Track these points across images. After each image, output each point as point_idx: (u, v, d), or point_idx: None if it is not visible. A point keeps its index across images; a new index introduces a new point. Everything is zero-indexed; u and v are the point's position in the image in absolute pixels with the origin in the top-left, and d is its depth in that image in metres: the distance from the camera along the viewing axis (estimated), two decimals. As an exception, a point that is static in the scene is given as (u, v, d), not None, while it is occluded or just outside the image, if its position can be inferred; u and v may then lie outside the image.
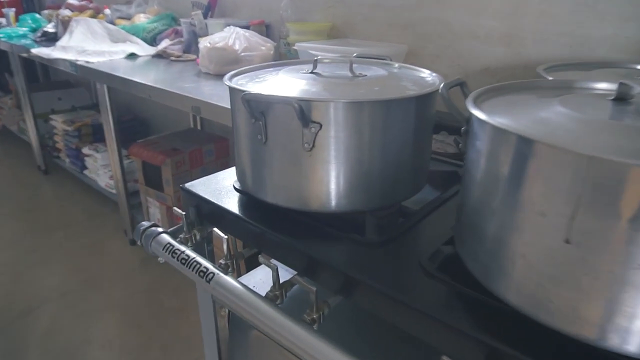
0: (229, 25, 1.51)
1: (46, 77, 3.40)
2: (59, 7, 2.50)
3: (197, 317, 1.65)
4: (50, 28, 2.26)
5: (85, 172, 2.37)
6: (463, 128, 0.48)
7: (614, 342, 0.36)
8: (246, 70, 0.69)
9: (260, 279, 0.74)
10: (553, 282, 0.37)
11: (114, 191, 2.10)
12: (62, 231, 2.16)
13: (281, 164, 0.57)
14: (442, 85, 0.49)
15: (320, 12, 1.51)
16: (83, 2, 2.37)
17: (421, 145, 0.60)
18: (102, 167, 2.21)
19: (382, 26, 1.36)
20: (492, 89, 0.51)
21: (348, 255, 0.53)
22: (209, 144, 1.75)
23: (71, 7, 2.35)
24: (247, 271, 0.80)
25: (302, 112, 0.51)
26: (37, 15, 2.48)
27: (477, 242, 0.45)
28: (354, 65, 0.63)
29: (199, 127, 2.13)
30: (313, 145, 0.54)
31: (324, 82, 0.60)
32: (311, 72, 0.64)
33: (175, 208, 0.67)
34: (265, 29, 1.68)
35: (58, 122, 2.46)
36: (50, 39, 2.15)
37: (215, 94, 1.20)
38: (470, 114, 0.44)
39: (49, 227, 2.20)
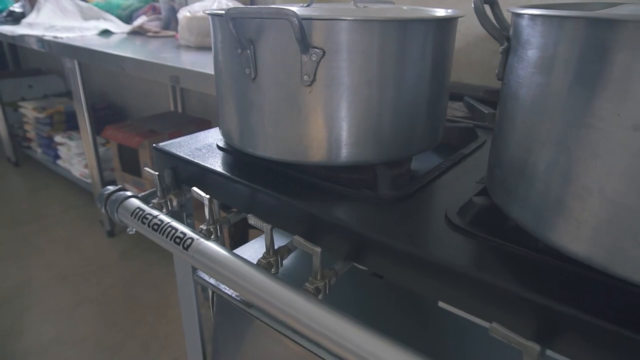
0: (210, -4, 1.39)
1: (16, 65, 3.21)
2: (27, -12, 2.34)
3: (177, 313, 1.53)
4: (17, 8, 2.12)
5: (59, 162, 2.22)
6: (502, 47, 0.39)
7: None
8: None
9: (249, 255, 0.64)
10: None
11: (89, 181, 1.97)
12: (32, 224, 2.01)
13: (275, 106, 0.46)
14: (475, -4, 0.40)
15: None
16: (53, -19, 2.22)
17: (439, 86, 0.51)
18: (76, 156, 2.07)
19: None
20: (534, 6, 0.41)
21: (358, 213, 0.43)
22: (189, 126, 1.63)
23: (40, -13, 2.20)
24: (233, 249, 0.70)
25: (303, 31, 0.41)
26: (4, -3, 2.32)
27: (526, 185, 0.35)
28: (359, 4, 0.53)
29: (179, 110, 2.00)
30: (314, 79, 0.44)
31: (324, 8, 0.50)
32: (306, 6, 0.54)
33: (146, 168, 0.56)
34: (250, 2, 1.57)
35: (28, 110, 2.30)
36: (17, 19, 2.01)
37: (196, 63, 1.09)
38: (517, 18, 0.35)
39: (18, 221, 2.04)
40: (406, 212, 0.44)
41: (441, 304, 0.41)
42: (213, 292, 0.62)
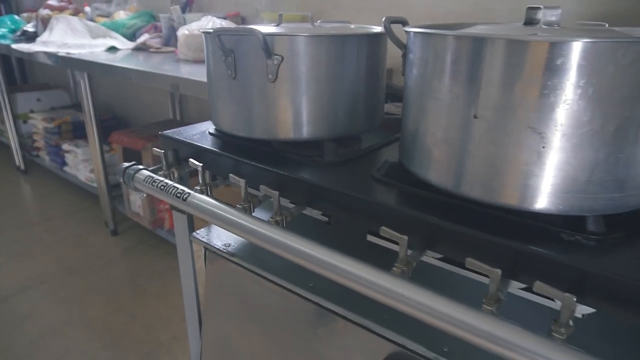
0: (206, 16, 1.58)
1: (24, 80, 3.41)
2: (36, 10, 2.54)
3: (177, 298, 1.70)
4: (30, 27, 2.30)
5: (65, 168, 2.39)
6: (402, 53, 0.56)
7: (520, 201, 0.44)
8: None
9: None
10: (469, 155, 0.45)
11: (94, 184, 2.13)
12: (42, 225, 2.17)
13: (249, 97, 0.64)
14: (384, 18, 0.58)
15: (293, 2, 1.61)
16: (62, 3, 2.42)
17: (374, 83, 0.68)
18: (82, 162, 2.24)
19: (351, 12, 1.46)
20: (424, 26, 0.59)
21: (312, 173, 0.60)
22: (188, 132, 1.81)
23: (51, 8, 2.40)
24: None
25: (266, 43, 0.58)
26: (16, 17, 2.52)
27: (413, 144, 0.53)
28: (315, 23, 0.71)
29: (178, 119, 2.18)
30: (276, 77, 0.61)
31: (287, 27, 0.68)
32: (276, 25, 0.72)
33: (154, 148, 0.73)
34: (241, 21, 1.76)
35: (38, 120, 2.48)
36: (30, 38, 2.19)
37: (193, 73, 1.27)
38: (408, 34, 0.52)
39: (29, 222, 2.21)
40: (345, 172, 0.61)
41: (369, 237, 0.58)
42: (205, 249, 0.79)
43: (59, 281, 1.74)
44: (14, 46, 1.93)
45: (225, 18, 1.67)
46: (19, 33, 2.27)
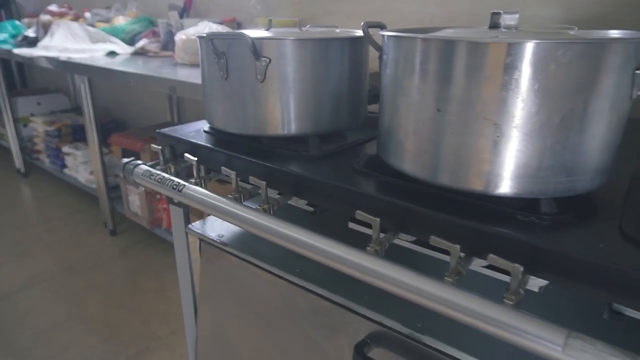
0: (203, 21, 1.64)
1: (24, 84, 3.46)
2: (37, 16, 2.59)
3: (175, 295, 1.75)
4: (30, 33, 2.36)
5: (65, 170, 2.44)
6: (379, 54, 0.62)
7: (481, 186, 0.49)
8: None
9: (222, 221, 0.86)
10: (435, 146, 0.50)
11: (94, 186, 2.18)
12: (42, 226, 2.22)
13: (240, 96, 0.69)
14: (362, 23, 0.63)
15: (287, 7, 1.66)
16: (63, 9, 2.48)
17: (356, 83, 0.74)
18: (82, 164, 2.29)
19: (342, 17, 1.51)
20: (401, 30, 0.64)
21: (297, 165, 0.65)
22: (185, 134, 1.86)
23: (51, 13, 2.45)
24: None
25: (255, 47, 0.64)
26: (17, 22, 2.57)
27: (388, 138, 0.58)
28: (303, 28, 0.77)
29: (175, 121, 2.23)
30: (265, 77, 0.66)
31: (275, 31, 0.73)
32: (267, 30, 0.77)
33: (152, 145, 0.78)
34: (237, 26, 1.82)
35: (38, 124, 2.54)
36: (31, 43, 2.25)
37: (190, 76, 1.33)
38: (383, 37, 0.58)
39: (29, 223, 2.25)
40: (329, 164, 0.66)
41: (350, 225, 0.62)
42: (200, 240, 0.84)
43: (58, 280, 1.78)
44: (16, 51, 1.99)
45: (221, 23, 1.73)
46: (20, 38, 2.32)
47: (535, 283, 0.49)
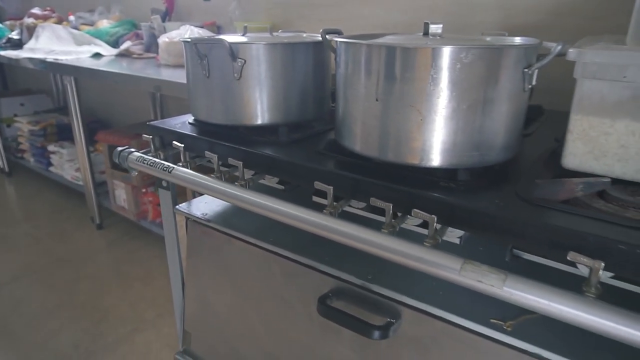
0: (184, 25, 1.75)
1: (4, 87, 3.49)
2: (19, 19, 2.65)
3: (161, 282, 1.85)
4: (14, 35, 2.42)
5: (51, 168, 2.51)
6: (334, 58, 0.75)
7: (413, 160, 0.62)
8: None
9: (205, 202, 0.98)
10: (376, 129, 0.64)
11: (80, 183, 2.26)
12: (29, 222, 2.29)
13: (220, 92, 0.82)
14: (321, 30, 0.76)
15: (263, 12, 1.79)
16: (46, 12, 2.55)
17: (320, 80, 0.87)
18: (68, 162, 2.37)
19: (314, 22, 1.64)
20: (351, 37, 0.78)
21: (270, 149, 0.78)
22: (169, 131, 1.97)
23: (35, 16, 2.52)
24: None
25: (232, 50, 0.76)
26: (0, 25, 2.63)
27: (342, 124, 0.71)
28: (275, 33, 0.89)
29: (159, 119, 2.33)
30: (241, 76, 0.79)
31: (250, 36, 0.86)
32: (243, 35, 0.90)
33: (144, 135, 0.90)
34: (217, 29, 1.93)
35: (23, 124, 2.60)
36: (15, 45, 2.32)
37: (173, 76, 1.44)
38: (336, 42, 0.71)
39: (16, 220, 2.32)
40: (296, 148, 0.79)
41: (314, 198, 0.75)
42: (187, 219, 0.95)
43: (48, 271, 1.87)
44: (2, 53, 2.06)
45: (202, 27, 1.84)
46: (4, 40, 2.39)
47: (455, 234, 0.63)
